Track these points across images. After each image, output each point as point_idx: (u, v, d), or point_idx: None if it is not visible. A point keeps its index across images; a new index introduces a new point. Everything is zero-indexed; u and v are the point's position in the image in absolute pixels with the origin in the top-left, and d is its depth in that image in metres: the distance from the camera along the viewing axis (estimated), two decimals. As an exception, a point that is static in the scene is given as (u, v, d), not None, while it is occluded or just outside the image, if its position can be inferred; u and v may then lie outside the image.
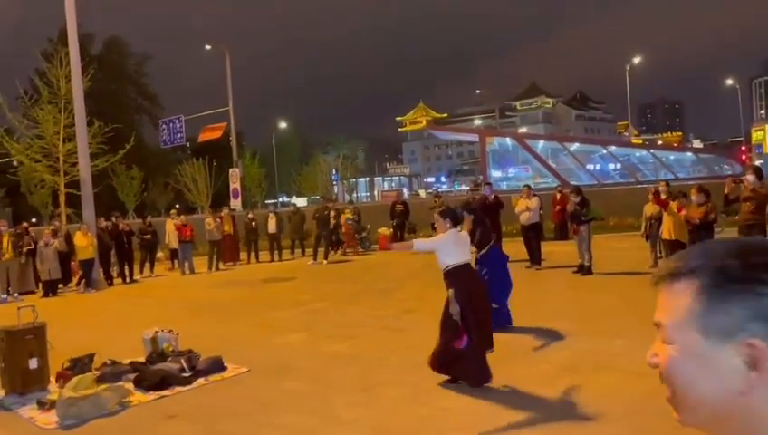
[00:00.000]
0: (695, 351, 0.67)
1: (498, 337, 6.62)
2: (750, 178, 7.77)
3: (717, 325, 0.65)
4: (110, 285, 14.15)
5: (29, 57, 26.15)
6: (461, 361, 5.23)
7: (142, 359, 6.55)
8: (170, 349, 6.62)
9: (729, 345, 0.64)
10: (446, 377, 5.38)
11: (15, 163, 24.99)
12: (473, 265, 6.04)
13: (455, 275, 5.29)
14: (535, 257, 11.90)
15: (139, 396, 5.54)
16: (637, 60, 45.46)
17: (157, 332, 6.83)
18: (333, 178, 53.33)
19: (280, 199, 55.88)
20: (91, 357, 6.34)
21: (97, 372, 6.04)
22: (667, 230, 9.21)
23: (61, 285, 13.77)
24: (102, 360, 6.44)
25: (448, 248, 5.34)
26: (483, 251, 7.38)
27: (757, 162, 48.60)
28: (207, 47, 33.37)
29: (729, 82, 55.86)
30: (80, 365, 6.15)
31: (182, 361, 6.11)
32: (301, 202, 48.83)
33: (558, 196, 17.01)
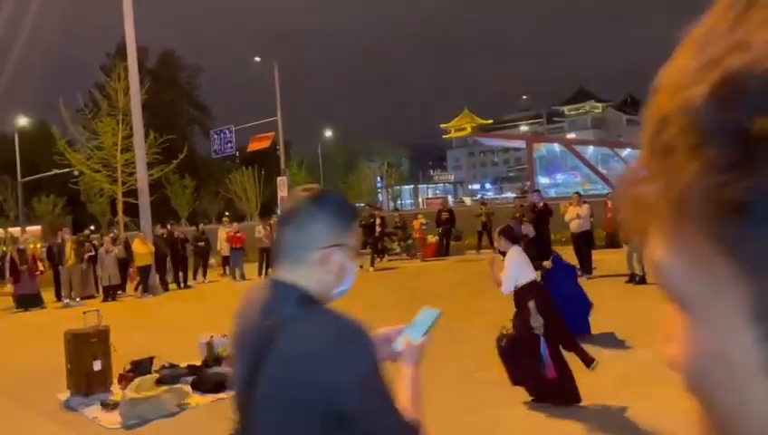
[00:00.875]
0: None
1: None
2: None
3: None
4: (166, 290, 14.65)
5: (89, 70, 27.29)
6: (551, 385, 5.00)
7: (199, 362, 6.77)
8: (225, 353, 6.81)
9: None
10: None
11: (76, 173, 26.20)
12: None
13: (529, 290, 5.13)
14: (586, 266, 11.68)
15: (196, 398, 5.73)
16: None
17: (212, 336, 7.04)
18: (378, 185, 53.67)
19: (326, 207, 56.46)
20: (150, 360, 6.60)
21: (156, 375, 6.28)
22: None
23: (119, 291, 14.36)
24: (161, 362, 6.70)
25: (522, 268, 5.22)
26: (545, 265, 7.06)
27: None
28: (257, 59, 34.23)
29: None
30: (140, 368, 6.41)
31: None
32: (346, 210, 49.22)
33: (609, 203, 16.61)
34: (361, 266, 15.63)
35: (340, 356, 1.22)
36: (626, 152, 47.85)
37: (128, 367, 6.47)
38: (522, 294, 5.13)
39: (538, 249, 7.21)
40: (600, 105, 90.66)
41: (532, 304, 5.01)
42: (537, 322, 4.99)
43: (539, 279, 5.91)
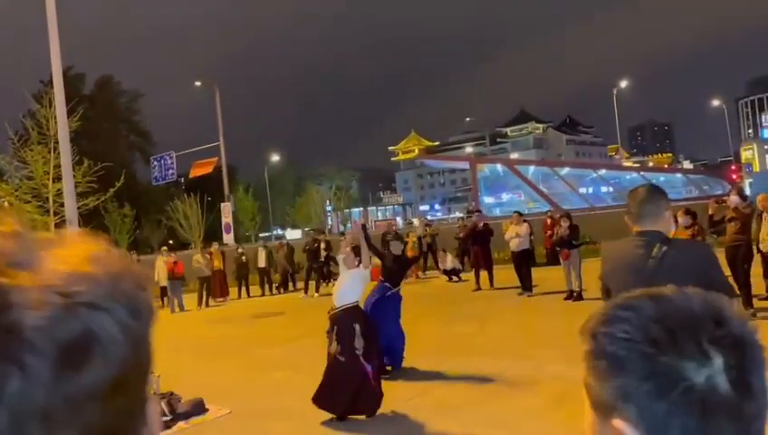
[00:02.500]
0: (591, 425, 0.59)
1: (488, 368, 6.50)
2: (734, 198, 7.76)
3: (598, 400, 0.58)
4: (98, 325, 13.92)
5: (21, 99, 26.11)
6: (367, 393, 5.38)
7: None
8: (151, 391, 6.43)
9: (609, 424, 0.57)
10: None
11: (6, 204, 24.85)
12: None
13: (353, 313, 5.65)
14: (526, 284, 11.80)
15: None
16: (624, 83, 46.08)
17: (137, 374, 6.65)
18: (327, 208, 53.32)
19: (274, 232, 55.74)
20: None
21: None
22: None
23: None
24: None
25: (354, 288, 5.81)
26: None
27: (747, 181, 48.98)
28: (197, 83, 33.65)
29: (716, 103, 56.63)
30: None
31: (162, 404, 5.93)
32: (296, 234, 48.69)
33: (549, 221, 16.98)
34: (306, 292, 15.35)
35: (702, 255, 2.71)
36: (565, 171, 49.42)
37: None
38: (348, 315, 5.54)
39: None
40: (540, 126, 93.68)
41: (357, 326, 5.42)
42: (360, 343, 5.38)
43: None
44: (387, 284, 7.22)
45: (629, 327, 0.57)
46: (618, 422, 0.56)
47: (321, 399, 5.36)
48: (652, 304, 0.59)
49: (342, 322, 5.54)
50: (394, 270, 7.32)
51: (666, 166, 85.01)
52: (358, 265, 5.99)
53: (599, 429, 0.59)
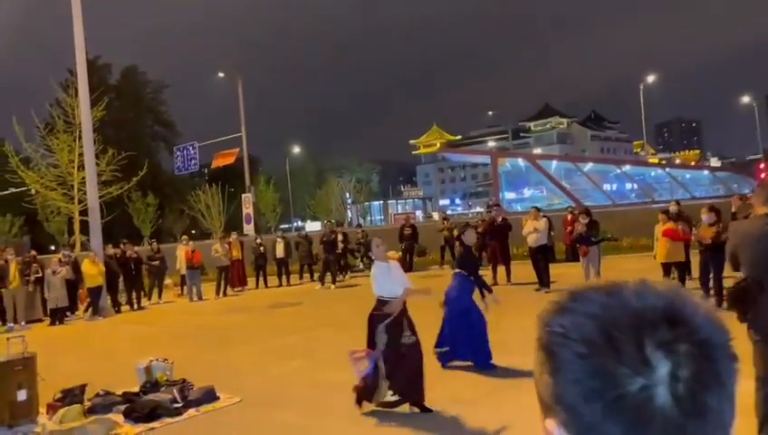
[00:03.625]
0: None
1: (502, 363, 6.43)
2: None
3: (539, 396, 0.53)
4: (118, 312, 14.13)
5: (50, 88, 26.56)
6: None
7: (136, 389, 6.44)
8: (164, 378, 6.49)
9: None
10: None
11: (33, 192, 25.34)
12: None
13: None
14: (544, 280, 11.65)
15: (127, 428, 5.41)
16: (651, 78, 45.21)
17: (151, 361, 6.71)
18: (347, 201, 53.38)
19: (294, 224, 56.01)
20: (82, 388, 6.23)
21: (88, 403, 5.93)
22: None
23: (68, 314, 13.78)
24: (95, 390, 6.34)
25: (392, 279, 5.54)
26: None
27: (777, 180, 47.71)
28: (221, 74, 33.84)
29: (746, 99, 55.28)
30: (70, 396, 6.04)
31: (174, 391, 5.98)
32: (315, 226, 48.85)
33: (569, 217, 16.73)
34: (322, 283, 15.38)
35: None
36: (588, 167, 48.72)
37: (57, 396, 6.10)
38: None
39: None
40: (564, 121, 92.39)
41: (382, 326, 5.29)
42: (381, 340, 5.25)
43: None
44: (465, 273, 7.03)
45: (567, 322, 0.52)
46: (549, 423, 0.52)
47: (413, 390, 5.24)
48: (600, 297, 0.52)
49: (407, 312, 5.52)
50: (468, 258, 7.18)
51: (693, 163, 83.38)
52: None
53: (542, 426, 0.53)
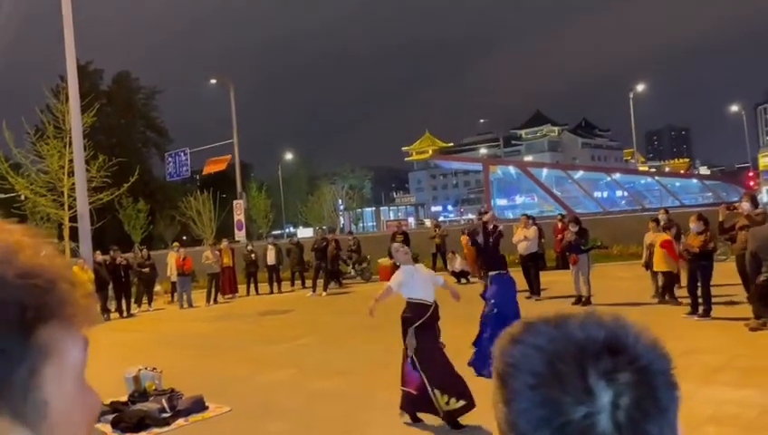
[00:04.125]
0: None
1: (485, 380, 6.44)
2: (745, 205, 7.60)
3: (497, 422, 0.57)
4: (107, 319, 14.02)
5: (41, 93, 26.41)
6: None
7: (125, 398, 6.40)
8: (153, 388, 6.46)
9: None
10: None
11: (23, 197, 25.15)
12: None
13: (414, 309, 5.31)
14: (534, 288, 11.70)
15: (114, 439, 5.37)
16: (640, 87, 45.57)
17: (140, 369, 6.68)
18: (339, 208, 53.35)
19: (287, 230, 55.90)
20: (71, 397, 6.19)
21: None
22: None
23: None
24: (84, 399, 6.29)
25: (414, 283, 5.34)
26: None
27: (765, 188, 48.18)
28: (213, 81, 33.83)
29: (734, 108, 55.84)
30: (59, 405, 6.00)
31: (163, 400, 5.95)
32: (307, 233, 48.74)
33: (560, 224, 16.82)
34: (314, 290, 15.36)
35: None
36: (579, 174, 48.95)
37: (45, 405, 6.06)
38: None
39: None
40: (555, 129, 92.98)
41: (411, 329, 5.15)
42: (411, 343, 5.12)
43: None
44: (504, 271, 7.26)
45: (518, 354, 0.54)
46: None
47: (461, 390, 5.06)
48: (548, 329, 0.55)
49: (438, 316, 5.41)
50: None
51: (682, 171, 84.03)
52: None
53: None
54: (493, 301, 6.94)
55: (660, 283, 9.95)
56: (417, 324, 5.14)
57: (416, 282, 5.31)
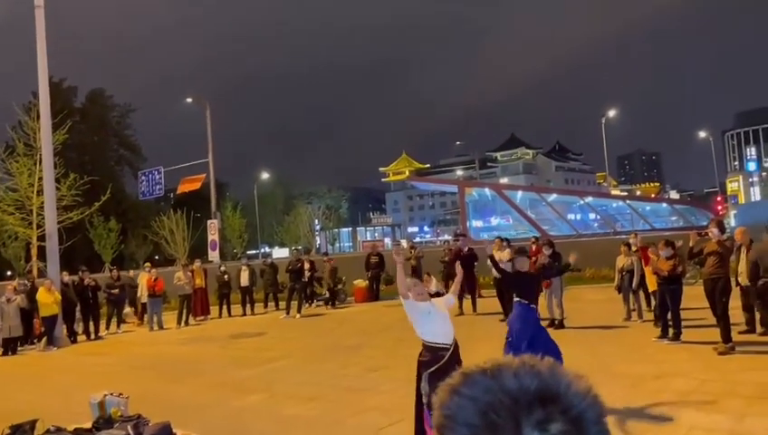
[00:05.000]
0: None
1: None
2: (714, 231, 7.78)
3: None
4: (74, 342, 13.66)
5: (12, 110, 25.89)
6: None
7: (89, 425, 6.19)
8: (118, 414, 6.27)
9: None
10: None
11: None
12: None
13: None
14: (508, 311, 11.72)
15: (77, 468, 5.18)
16: (612, 112, 46.65)
17: (105, 395, 6.48)
18: (315, 228, 53.14)
19: (262, 250, 55.42)
20: (32, 423, 5.98)
21: (36, 441, 5.68)
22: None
23: (22, 344, 13.26)
24: (47, 425, 6.08)
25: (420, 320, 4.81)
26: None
27: (732, 213, 49.49)
28: (188, 100, 33.64)
29: (702, 134, 57.47)
30: (20, 432, 5.79)
31: (128, 427, 5.77)
32: (283, 253, 48.35)
33: (533, 247, 16.98)
34: (288, 312, 15.18)
35: None
36: (552, 197, 49.69)
37: (6, 432, 5.84)
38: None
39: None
40: (530, 152, 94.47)
41: (426, 374, 4.67)
42: (425, 389, 4.65)
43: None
44: (525, 301, 6.39)
45: (454, 405, 0.54)
46: None
47: None
48: (484, 380, 0.55)
49: (459, 360, 4.82)
50: (527, 285, 6.58)
51: (653, 195, 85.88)
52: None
53: None
54: (510, 329, 6.69)
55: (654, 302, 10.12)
56: (432, 370, 4.64)
57: (434, 322, 4.78)
